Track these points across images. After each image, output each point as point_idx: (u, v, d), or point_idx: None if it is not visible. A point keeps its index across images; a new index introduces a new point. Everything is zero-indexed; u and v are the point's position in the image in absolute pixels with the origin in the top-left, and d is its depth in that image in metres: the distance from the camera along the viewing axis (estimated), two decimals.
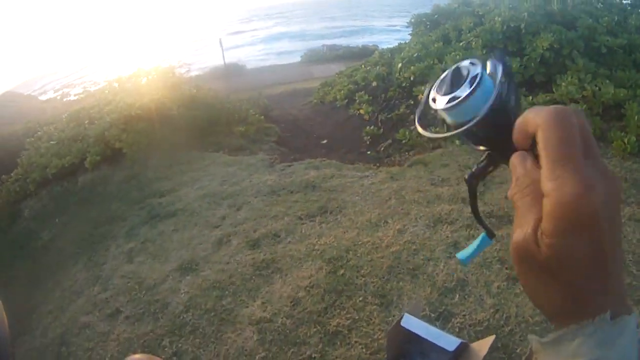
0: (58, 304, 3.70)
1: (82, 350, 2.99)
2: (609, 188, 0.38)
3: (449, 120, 0.49)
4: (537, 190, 0.40)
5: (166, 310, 3.04)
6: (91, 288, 3.67)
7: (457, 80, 0.48)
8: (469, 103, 0.46)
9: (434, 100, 0.49)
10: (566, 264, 0.39)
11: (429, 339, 1.67)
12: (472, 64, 0.48)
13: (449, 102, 0.47)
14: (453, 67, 0.49)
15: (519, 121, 0.42)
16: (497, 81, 0.46)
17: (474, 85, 0.46)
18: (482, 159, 0.53)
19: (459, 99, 0.46)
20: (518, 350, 2.28)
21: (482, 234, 0.59)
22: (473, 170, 0.54)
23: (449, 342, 1.62)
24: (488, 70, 0.48)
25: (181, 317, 2.92)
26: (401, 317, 1.75)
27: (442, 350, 1.64)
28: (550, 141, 0.38)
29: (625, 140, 4.03)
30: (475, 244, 0.60)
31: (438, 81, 0.50)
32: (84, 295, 3.62)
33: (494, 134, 0.48)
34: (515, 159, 0.43)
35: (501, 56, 0.48)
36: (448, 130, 0.49)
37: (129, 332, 2.96)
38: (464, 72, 0.48)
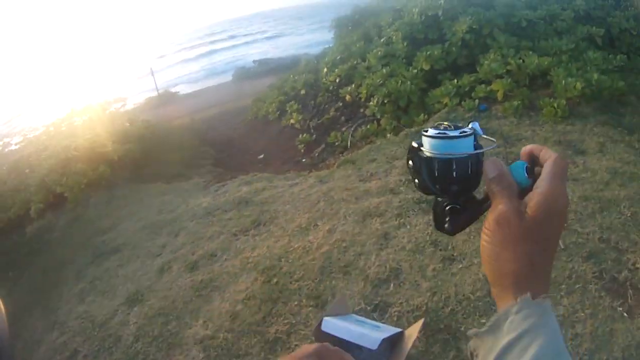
0: (21, 357, 3.74)
1: None
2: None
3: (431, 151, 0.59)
4: (512, 184, 0.56)
5: (119, 344, 3.19)
6: (50, 334, 3.74)
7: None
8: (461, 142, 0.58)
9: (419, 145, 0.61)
10: (538, 234, 0.53)
11: (352, 340, 1.60)
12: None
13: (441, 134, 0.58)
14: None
15: (535, 146, 0.60)
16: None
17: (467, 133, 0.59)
18: (445, 206, 0.61)
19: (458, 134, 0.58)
20: (462, 329, 2.27)
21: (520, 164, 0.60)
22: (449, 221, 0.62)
23: (372, 340, 1.56)
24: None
25: (133, 348, 3.07)
26: (320, 322, 1.70)
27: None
28: (558, 166, 0.55)
29: (555, 105, 4.17)
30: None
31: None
32: (45, 342, 3.69)
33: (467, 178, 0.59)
34: (495, 160, 0.57)
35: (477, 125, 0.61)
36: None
37: None
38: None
